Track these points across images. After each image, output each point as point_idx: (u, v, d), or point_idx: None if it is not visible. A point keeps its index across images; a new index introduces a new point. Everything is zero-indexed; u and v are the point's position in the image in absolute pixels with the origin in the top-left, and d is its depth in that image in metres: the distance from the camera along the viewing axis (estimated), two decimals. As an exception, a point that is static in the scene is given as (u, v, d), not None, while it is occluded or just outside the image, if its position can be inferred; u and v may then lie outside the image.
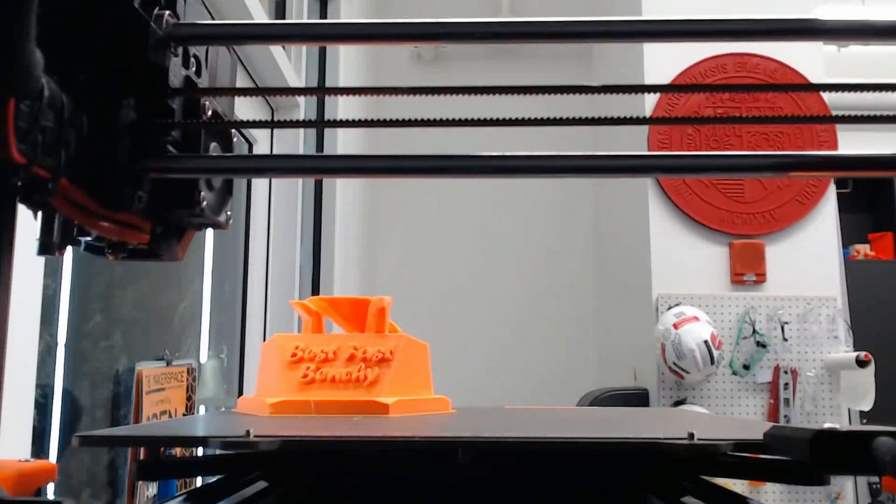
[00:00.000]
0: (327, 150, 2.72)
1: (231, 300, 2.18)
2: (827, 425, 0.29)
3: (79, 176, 0.40)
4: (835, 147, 2.78)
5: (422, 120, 0.45)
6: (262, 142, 2.28)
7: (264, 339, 2.24)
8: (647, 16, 2.87)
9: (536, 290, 4.02)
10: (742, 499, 0.38)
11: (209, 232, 1.97)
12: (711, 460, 0.38)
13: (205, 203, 0.46)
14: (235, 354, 2.18)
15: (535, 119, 0.45)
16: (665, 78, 2.81)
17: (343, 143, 2.81)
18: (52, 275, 1.24)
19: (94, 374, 1.42)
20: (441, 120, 0.45)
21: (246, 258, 2.23)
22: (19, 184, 0.39)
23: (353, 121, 0.46)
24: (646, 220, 2.76)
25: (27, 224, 0.87)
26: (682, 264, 2.71)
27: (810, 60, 2.83)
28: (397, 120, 0.46)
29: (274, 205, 2.35)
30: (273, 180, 2.35)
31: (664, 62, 2.83)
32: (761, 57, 2.81)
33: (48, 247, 0.44)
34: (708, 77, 2.81)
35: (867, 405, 2.51)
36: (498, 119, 0.45)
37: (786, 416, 2.57)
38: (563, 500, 0.42)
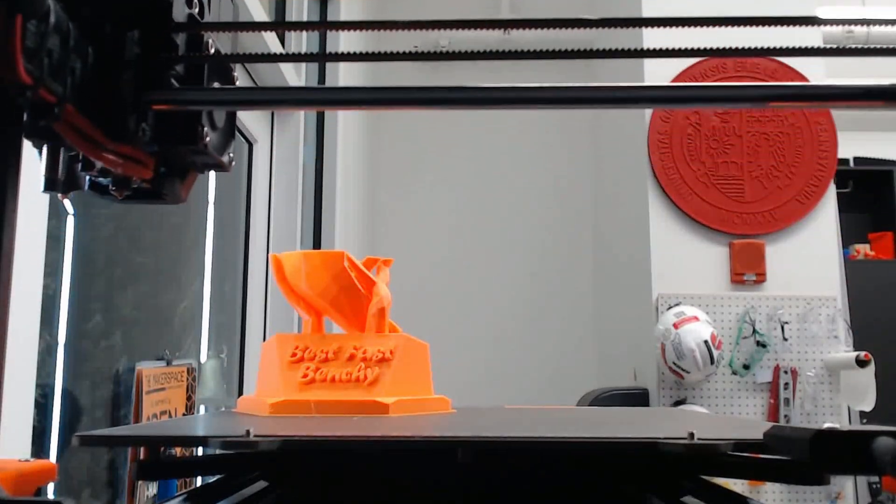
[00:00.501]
0: (328, 150, 2.72)
1: (231, 300, 2.18)
2: (827, 425, 0.29)
3: (84, 105, 0.41)
4: (834, 147, 2.78)
5: (424, 53, 0.46)
6: (262, 142, 2.28)
7: (264, 339, 2.24)
8: (647, 12, 2.87)
9: (536, 291, 4.02)
10: (742, 499, 0.38)
11: (209, 232, 1.97)
12: (711, 460, 0.38)
13: (207, 139, 0.47)
14: (235, 354, 2.18)
15: (536, 52, 0.45)
16: (665, 78, 2.81)
17: (343, 144, 2.81)
18: (52, 275, 1.24)
19: (95, 373, 1.42)
20: (444, 53, 0.46)
21: (246, 258, 2.23)
22: (25, 118, 0.39)
23: (357, 54, 0.46)
24: (646, 220, 2.76)
25: (28, 215, 0.87)
26: (682, 264, 2.71)
27: (810, 61, 2.83)
28: (400, 53, 0.46)
29: (274, 204, 2.35)
30: (273, 179, 2.35)
31: (664, 62, 2.83)
32: (761, 57, 2.81)
33: (53, 183, 0.45)
34: (708, 77, 2.81)
35: (868, 405, 2.51)
36: (500, 52, 0.45)
37: (786, 416, 2.57)
38: (564, 499, 0.42)
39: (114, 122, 0.43)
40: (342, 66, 2.83)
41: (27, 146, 0.45)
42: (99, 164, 0.45)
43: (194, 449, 1.39)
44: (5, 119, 0.39)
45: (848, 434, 0.28)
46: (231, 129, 0.52)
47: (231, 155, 0.52)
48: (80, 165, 0.46)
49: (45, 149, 0.44)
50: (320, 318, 0.72)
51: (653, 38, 2.86)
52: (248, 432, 0.33)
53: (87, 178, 0.47)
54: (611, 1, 3.52)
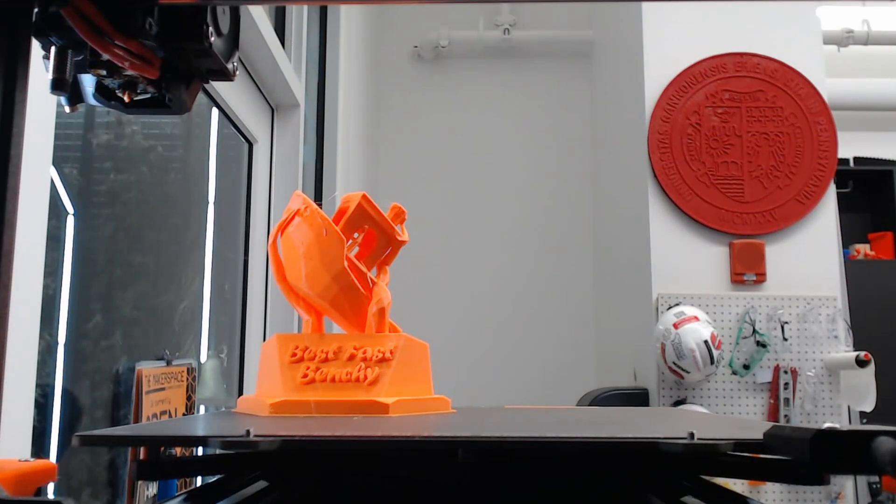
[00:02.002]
0: (328, 150, 2.72)
1: (231, 300, 2.18)
2: (827, 425, 0.29)
3: None
4: (834, 147, 2.78)
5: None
6: (262, 142, 2.28)
7: (264, 339, 2.24)
8: (647, 14, 2.87)
9: (537, 291, 4.03)
10: (742, 499, 0.38)
11: (209, 231, 1.97)
12: (712, 460, 0.38)
13: (213, 38, 0.47)
14: (235, 354, 2.18)
15: None
16: (665, 78, 2.81)
17: (343, 144, 2.81)
18: (52, 274, 1.24)
19: (95, 373, 1.42)
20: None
21: (246, 258, 2.23)
22: (35, 15, 0.40)
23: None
24: (646, 220, 2.76)
25: (28, 214, 0.87)
26: (682, 264, 2.71)
27: (810, 61, 2.83)
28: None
29: (274, 205, 2.35)
30: (273, 179, 2.35)
31: (664, 62, 2.83)
32: (761, 57, 2.82)
33: (61, 83, 0.46)
34: (708, 77, 2.81)
35: (869, 406, 2.51)
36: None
37: (786, 416, 2.57)
38: (564, 499, 0.42)
39: (121, 13, 0.44)
40: (342, 64, 2.83)
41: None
42: (106, 58, 0.46)
43: (194, 449, 1.39)
44: (13, 33, 0.40)
45: (848, 434, 0.28)
46: (235, 38, 0.53)
47: (235, 64, 0.53)
48: (88, 63, 0.47)
49: (53, 51, 0.45)
50: (320, 317, 0.72)
51: (653, 37, 2.87)
52: (247, 432, 0.33)
53: (94, 83, 0.49)
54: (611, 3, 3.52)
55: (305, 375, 0.60)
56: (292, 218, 0.70)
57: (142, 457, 0.37)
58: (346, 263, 0.67)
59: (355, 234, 0.75)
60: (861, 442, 0.27)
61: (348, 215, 0.74)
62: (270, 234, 0.68)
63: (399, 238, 0.75)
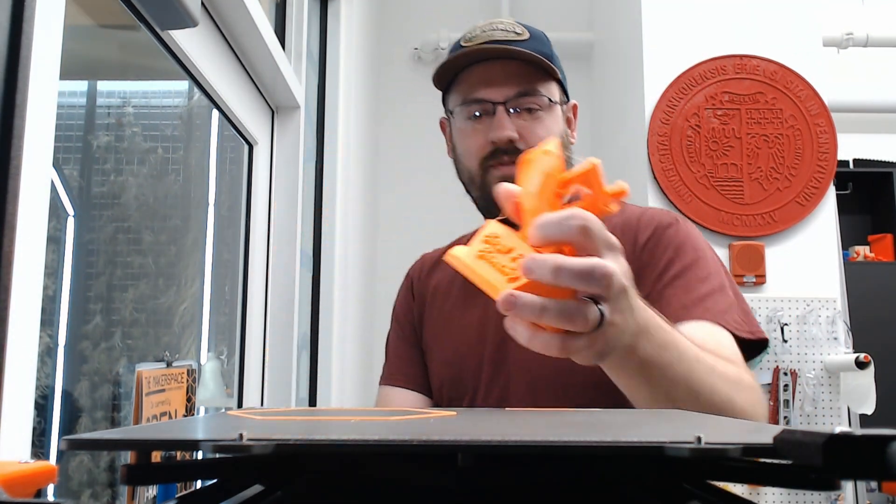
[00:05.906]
0: (328, 150, 2.71)
1: (231, 301, 2.18)
2: (839, 429, 0.28)
3: None
4: (834, 149, 2.78)
5: None
6: (262, 143, 2.27)
7: (264, 341, 2.23)
8: (647, 16, 2.87)
9: (536, 292, 4.02)
10: (747, 503, 0.37)
11: (209, 233, 1.96)
12: (719, 465, 0.37)
13: None
14: (235, 356, 2.18)
15: None
16: (665, 80, 2.80)
17: (344, 145, 2.81)
18: (52, 275, 1.24)
19: (94, 375, 1.42)
20: None
21: (246, 259, 2.23)
22: None
23: None
24: (646, 221, 2.75)
25: (28, 216, 0.86)
26: (683, 266, 2.70)
27: (811, 62, 2.83)
28: None
29: (274, 206, 2.34)
30: (273, 181, 2.35)
31: (664, 64, 2.83)
32: (761, 59, 2.81)
33: None
34: (708, 78, 2.81)
35: (869, 408, 2.50)
36: None
37: (785, 418, 2.56)
38: None
39: None
40: (343, 65, 2.83)
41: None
42: None
43: (194, 452, 1.38)
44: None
45: (863, 438, 0.27)
46: None
47: None
48: None
49: None
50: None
51: (653, 39, 2.86)
52: (240, 436, 0.33)
53: None
54: (611, 1, 3.52)
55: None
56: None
57: (131, 460, 0.36)
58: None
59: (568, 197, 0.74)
60: (878, 446, 0.27)
61: (577, 173, 0.73)
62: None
63: (606, 209, 0.73)
